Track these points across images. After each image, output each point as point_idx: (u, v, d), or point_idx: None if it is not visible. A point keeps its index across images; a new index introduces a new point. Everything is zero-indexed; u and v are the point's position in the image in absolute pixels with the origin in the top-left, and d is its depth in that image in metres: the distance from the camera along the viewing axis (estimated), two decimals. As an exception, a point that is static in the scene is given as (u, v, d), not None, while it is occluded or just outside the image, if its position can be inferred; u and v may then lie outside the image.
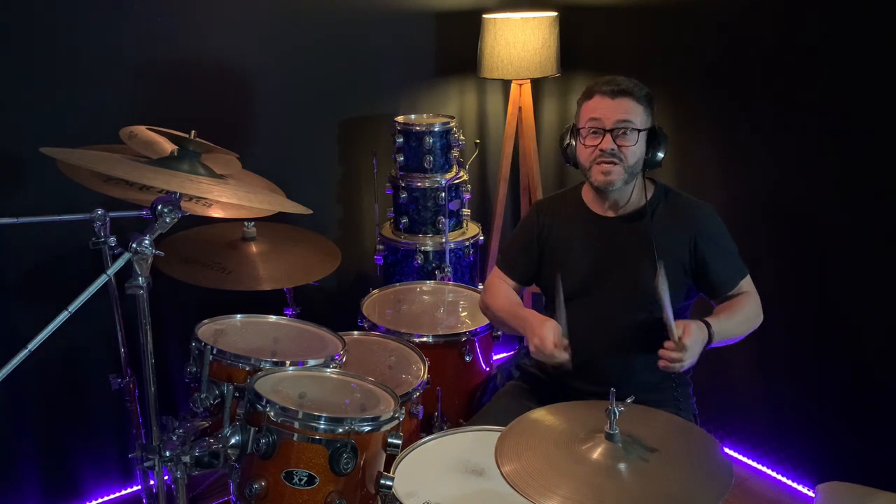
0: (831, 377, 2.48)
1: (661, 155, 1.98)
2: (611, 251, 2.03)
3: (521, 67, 2.89)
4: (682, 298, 2.02)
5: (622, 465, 1.42)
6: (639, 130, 1.93)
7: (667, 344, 1.82)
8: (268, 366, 1.81)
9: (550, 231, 2.12)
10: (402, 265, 2.88)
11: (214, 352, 1.82)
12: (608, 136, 1.92)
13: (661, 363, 1.82)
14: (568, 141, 2.04)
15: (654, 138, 1.97)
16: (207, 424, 1.68)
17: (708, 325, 1.87)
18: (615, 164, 1.93)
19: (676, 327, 1.81)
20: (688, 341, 1.79)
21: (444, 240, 2.82)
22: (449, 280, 2.78)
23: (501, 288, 2.17)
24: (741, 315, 1.96)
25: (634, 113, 1.93)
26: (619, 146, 1.92)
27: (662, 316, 1.81)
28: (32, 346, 1.32)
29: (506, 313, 2.09)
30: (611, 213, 2.04)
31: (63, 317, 1.35)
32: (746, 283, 2.00)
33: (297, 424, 1.59)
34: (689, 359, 1.81)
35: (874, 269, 2.33)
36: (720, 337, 1.89)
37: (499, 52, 2.89)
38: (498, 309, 2.13)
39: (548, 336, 1.87)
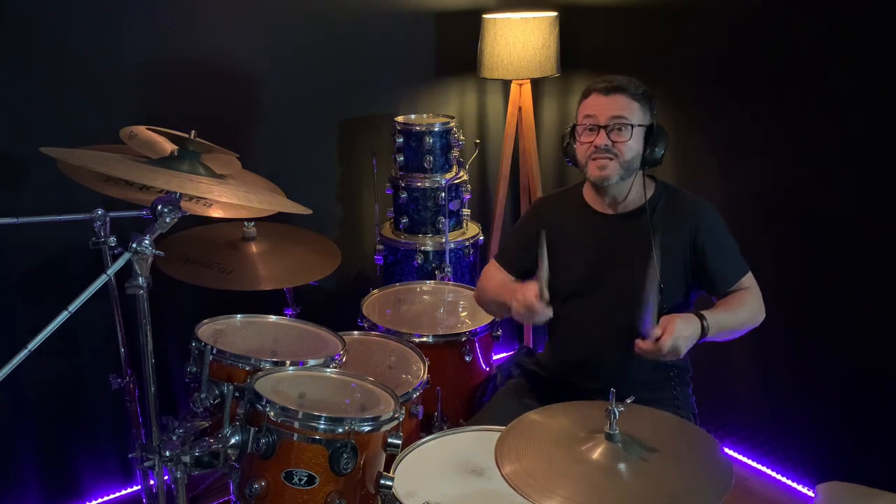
0: (831, 377, 2.48)
1: (660, 151, 1.97)
2: (610, 249, 2.04)
3: (521, 67, 2.89)
4: (682, 296, 2.02)
5: (622, 465, 1.42)
6: (633, 126, 1.93)
7: (641, 343, 1.81)
8: (268, 366, 1.81)
9: (550, 228, 2.12)
10: (402, 265, 2.88)
11: (214, 352, 1.82)
12: (602, 132, 1.93)
13: (637, 350, 1.82)
14: (568, 140, 2.05)
15: (652, 135, 1.96)
16: (207, 424, 1.68)
17: (701, 318, 1.86)
18: (610, 159, 1.94)
19: (658, 326, 1.80)
20: (667, 340, 1.77)
21: (444, 240, 2.82)
22: (449, 280, 2.78)
23: (496, 275, 2.19)
24: (740, 310, 1.95)
25: (629, 109, 1.93)
26: (613, 142, 1.93)
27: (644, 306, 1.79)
28: (32, 345, 1.32)
29: (494, 292, 2.12)
30: (610, 211, 2.05)
31: (63, 317, 1.35)
32: (747, 281, 2.00)
33: (297, 424, 1.59)
34: (672, 352, 1.79)
35: (875, 268, 2.33)
36: (716, 330, 1.88)
37: (499, 52, 2.89)
38: (490, 288, 2.15)
39: (527, 291, 1.88)
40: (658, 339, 1.79)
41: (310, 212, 1.80)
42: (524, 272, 2.18)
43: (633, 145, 1.94)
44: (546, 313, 1.90)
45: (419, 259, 2.83)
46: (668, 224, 1.99)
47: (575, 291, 2.07)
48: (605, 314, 2.03)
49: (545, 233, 1.93)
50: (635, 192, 2.02)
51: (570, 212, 2.11)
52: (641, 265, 1.97)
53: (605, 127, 1.93)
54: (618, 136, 1.93)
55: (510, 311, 2.00)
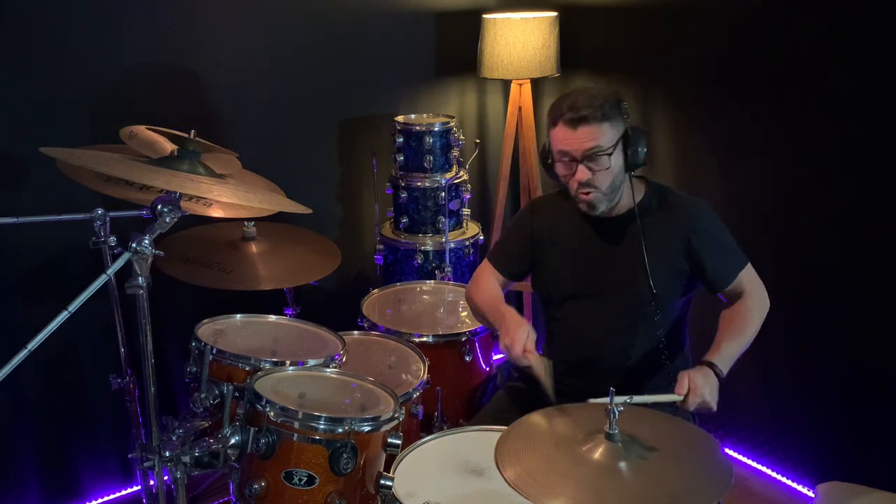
0: (831, 377, 2.48)
1: (642, 153, 1.94)
2: (603, 252, 2.03)
3: (521, 67, 2.89)
4: (679, 296, 2.01)
5: (622, 465, 1.42)
6: (609, 154, 1.90)
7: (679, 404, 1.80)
8: (268, 366, 1.81)
9: (543, 231, 2.12)
10: (402, 265, 2.88)
11: (214, 352, 1.82)
12: (581, 167, 1.91)
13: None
14: (549, 162, 2.02)
15: (628, 141, 1.93)
16: (207, 424, 1.68)
17: (712, 367, 1.83)
18: (592, 192, 1.93)
19: (680, 385, 1.78)
20: (696, 397, 1.76)
21: (444, 240, 2.82)
22: (449, 280, 2.78)
23: (488, 281, 2.17)
24: (745, 328, 1.92)
25: (598, 136, 1.89)
26: (593, 172, 1.91)
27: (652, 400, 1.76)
28: (32, 345, 1.32)
29: (487, 306, 2.09)
30: (603, 215, 2.04)
31: (63, 317, 1.35)
32: (747, 275, 1.98)
33: (297, 424, 1.59)
34: (712, 402, 1.79)
35: (875, 268, 2.33)
36: (729, 364, 1.86)
37: (499, 52, 2.89)
38: (480, 301, 2.13)
39: (519, 339, 1.86)
40: (686, 397, 1.77)
41: (310, 212, 1.80)
42: (516, 274, 2.19)
43: (613, 168, 1.92)
44: (529, 363, 1.87)
45: (419, 259, 2.83)
46: (662, 226, 1.99)
47: (570, 294, 2.07)
48: (602, 316, 2.03)
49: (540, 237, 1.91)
50: (626, 196, 2.00)
51: (563, 214, 2.11)
52: (633, 269, 1.97)
53: (581, 160, 1.91)
54: (596, 164, 1.90)
55: (495, 330, 2.01)
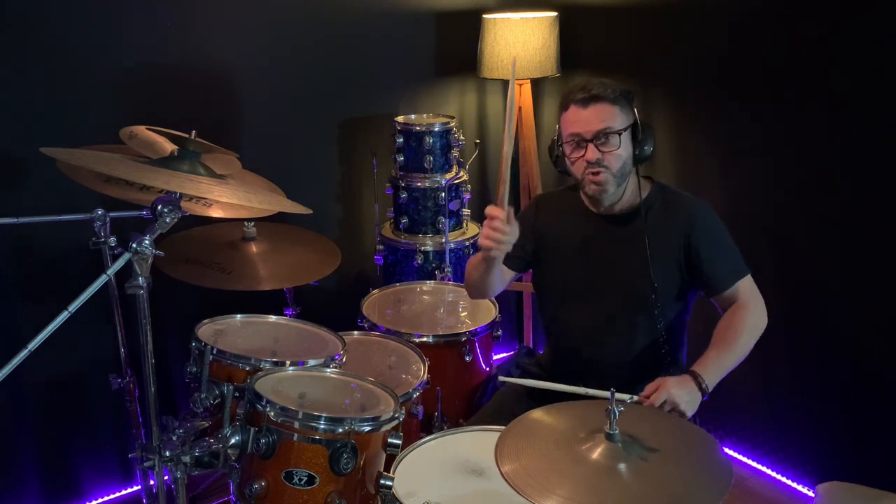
0: (831, 377, 2.48)
1: (648, 148, 1.96)
2: (606, 250, 2.03)
3: (521, 67, 2.89)
4: (678, 297, 2.01)
5: (622, 466, 1.42)
6: (619, 133, 1.92)
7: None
8: (268, 366, 1.81)
9: (547, 228, 2.12)
10: (402, 265, 2.88)
11: (214, 352, 1.82)
12: (591, 146, 1.92)
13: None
14: (557, 152, 2.03)
15: (637, 133, 1.95)
16: (207, 424, 1.68)
17: (695, 377, 1.81)
18: (602, 172, 1.93)
19: (649, 386, 1.79)
20: (660, 395, 1.76)
21: (444, 240, 2.82)
22: (449, 280, 2.78)
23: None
24: (737, 342, 1.90)
25: (611, 116, 1.91)
26: (603, 153, 1.92)
27: None
28: (32, 346, 1.32)
29: (473, 260, 2.09)
30: (606, 212, 2.04)
31: (63, 317, 1.35)
32: (745, 285, 1.97)
33: (297, 424, 1.59)
34: (684, 407, 1.77)
35: (874, 268, 2.33)
36: (717, 378, 1.84)
37: (499, 52, 2.89)
38: (469, 265, 2.12)
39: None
40: (646, 398, 1.78)
41: (310, 212, 1.80)
42: (517, 267, 2.16)
43: (621, 152, 1.93)
44: (507, 231, 1.83)
45: (419, 259, 2.83)
46: (663, 224, 1.99)
47: (573, 293, 2.07)
48: (603, 315, 2.03)
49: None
50: (630, 193, 2.01)
51: (567, 212, 2.11)
52: (635, 267, 1.97)
53: (591, 140, 1.92)
54: (606, 146, 1.92)
55: (483, 266, 1.96)
